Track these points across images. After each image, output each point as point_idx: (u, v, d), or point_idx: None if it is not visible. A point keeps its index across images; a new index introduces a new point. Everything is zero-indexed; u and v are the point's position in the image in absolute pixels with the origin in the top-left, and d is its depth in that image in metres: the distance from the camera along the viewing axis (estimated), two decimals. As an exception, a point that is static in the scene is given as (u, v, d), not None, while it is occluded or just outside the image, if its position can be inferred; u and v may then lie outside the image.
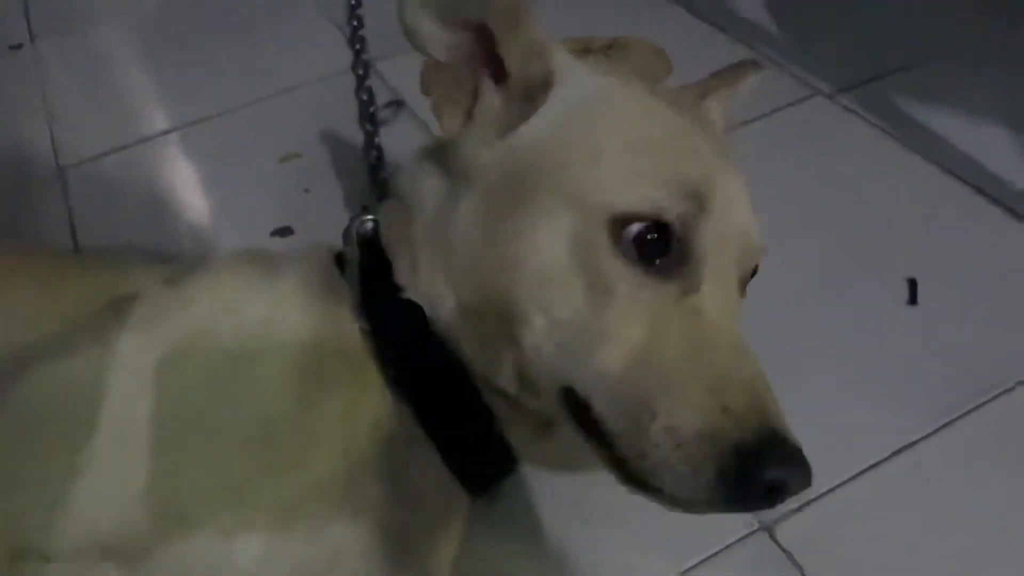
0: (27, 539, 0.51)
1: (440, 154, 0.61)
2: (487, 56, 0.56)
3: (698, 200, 0.51)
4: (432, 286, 0.58)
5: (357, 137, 1.18)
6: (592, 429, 0.52)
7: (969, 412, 0.78)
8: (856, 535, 0.71)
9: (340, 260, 0.64)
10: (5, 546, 0.50)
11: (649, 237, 0.51)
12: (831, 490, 0.73)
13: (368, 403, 0.59)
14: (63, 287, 0.65)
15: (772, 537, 0.71)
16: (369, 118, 1.18)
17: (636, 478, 0.50)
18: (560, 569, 0.70)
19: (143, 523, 0.52)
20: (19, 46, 1.54)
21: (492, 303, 0.55)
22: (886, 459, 0.75)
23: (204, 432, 0.55)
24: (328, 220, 1.05)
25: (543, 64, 0.55)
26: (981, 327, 0.86)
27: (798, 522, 0.72)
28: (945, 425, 0.77)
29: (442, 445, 0.61)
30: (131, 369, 0.55)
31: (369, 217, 0.63)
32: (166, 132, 1.26)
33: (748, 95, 0.67)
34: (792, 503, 0.73)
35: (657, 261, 0.51)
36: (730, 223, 0.53)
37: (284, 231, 1.05)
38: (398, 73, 1.31)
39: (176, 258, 1.01)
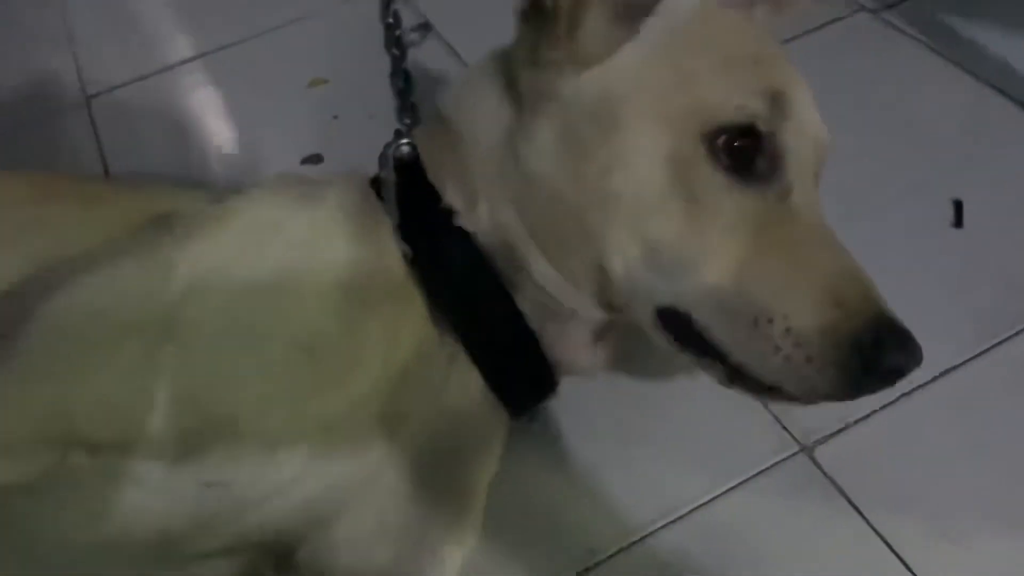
0: (77, 431, 0.51)
1: (500, 78, 0.60)
2: None
3: (781, 106, 0.53)
4: (495, 215, 0.58)
5: (385, 62, 1.16)
6: (693, 343, 0.54)
7: (1015, 335, 0.77)
8: (898, 458, 0.70)
9: (376, 185, 0.64)
10: (56, 436, 0.51)
11: (742, 145, 0.52)
12: (873, 412, 0.73)
13: (409, 325, 0.60)
14: (103, 205, 0.67)
15: (812, 458, 0.71)
16: (395, 42, 1.15)
17: (750, 381, 0.53)
18: (596, 490, 0.70)
19: (193, 423, 0.53)
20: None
21: (576, 235, 0.55)
22: (929, 382, 0.74)
23: (253, 339, 0.55)
24: (357, 147, 1.04)
25: None
26: (1029, 247, 0.84)
27: (839, 444, 0.72)
28: (990, 348, 0.76)
29: (484, 365, 0.62)
30: (178, 276, 0.56)
31: (405, 141, 0.61)
32: (192, 59, 1.24)
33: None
34: (833, 424, 0.73)
35: (753, 168, 0.52)
36: (806, 125, 0.55)
37: (314, 158, 1.04)
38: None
39: (207, 185, 1.01)
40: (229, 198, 0.63)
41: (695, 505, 0.69)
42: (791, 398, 0.53)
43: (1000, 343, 0.76)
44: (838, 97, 0.98)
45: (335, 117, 1.10)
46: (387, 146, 0.62)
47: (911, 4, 1.13)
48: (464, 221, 0.59)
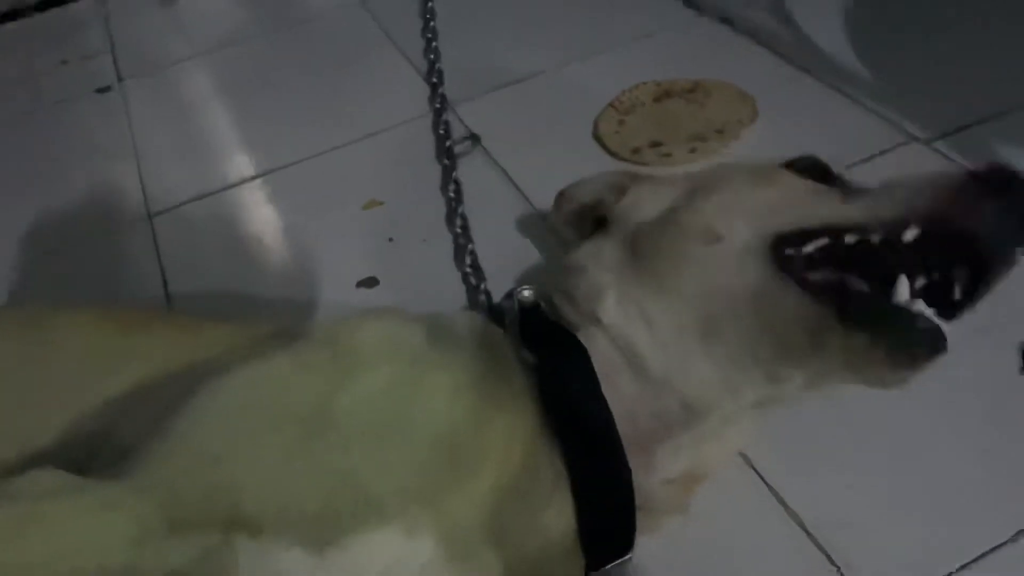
0: (242, 510, 0.52)
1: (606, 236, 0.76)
2: None
3: None
4: (618, 314, 0.68)
5: (437, 183, 1.19)
6: (797, 268, 0.61)
7: (1095, 495, 0.74)
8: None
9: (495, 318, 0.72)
10: (223, 515, 0.52)
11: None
12: (951, 573, 0.70)
13: (522, 435, 0.62)
14: (192, 334, 0.71)
15: None
16: (447, 152, 1.20)
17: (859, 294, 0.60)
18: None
19: (345, 506, 0.54)
20: (106, 89, 1.59)
21: (688, 219, 0.69)
22: (1005, 543, 0.71)
23: (398, 430, 0.57)
24: (412, 270, 1.07)
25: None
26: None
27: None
28: (1068, 507, 0.73)
29: (581, 497, 0.63)
30: (326, 371, 0.60)
31: (526, 288, 0.72)
32: (252, 178, 1.28)
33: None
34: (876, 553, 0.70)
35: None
36: None
37: (370, 281, 1.06)
38: (475, 114, 1.32)
39: (272, 310, 1.03)
40: (348, 323, 0.66)
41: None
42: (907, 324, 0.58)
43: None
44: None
45: (390, 240, 1.12)
46: (512, 290, 0.73)
47: (962, 134, 1.13)
48: (585, 338, 0.67)
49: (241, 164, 1.32)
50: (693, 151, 1.17)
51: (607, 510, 0.64)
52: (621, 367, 0.66)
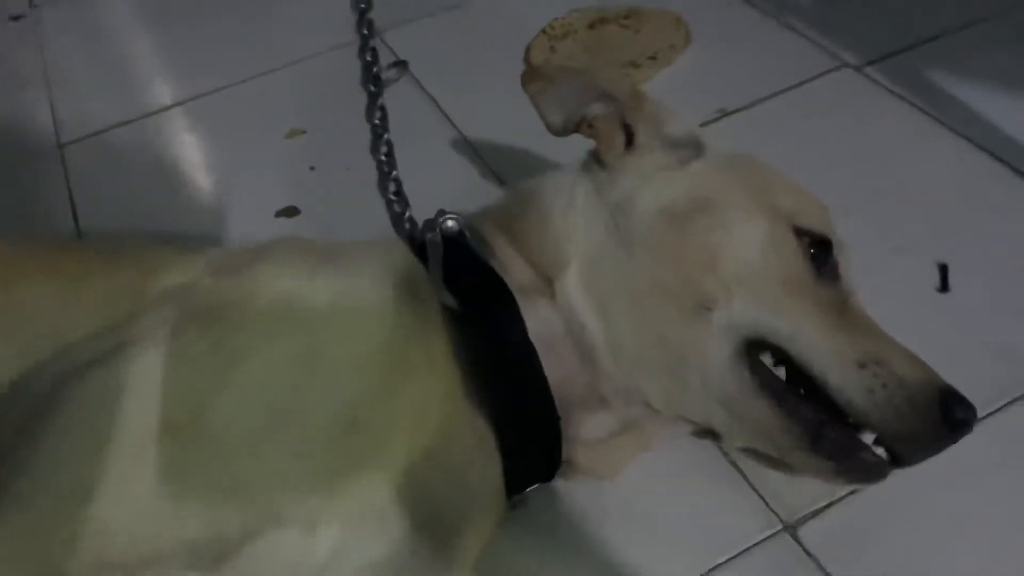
0: (113, 550, 0.48)
1: (586, 177, 0.70)
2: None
3: (841, 247, 0.67)
4: (574, 293, 0.64)
5: (362, 111, 1.15)
6: (774, 387, 0.61)
7: (1005, 407, 0.75)
8: (883, 535, 0.68)
9: (417, 250, 0.67)
10: (90, 559, 0.47)
11: (817, 252, 0.64)
12: (857, 490, 0.70)
13: (439, 399, 0.58)
14: (84, 282, 0.62)
15: (795, 537, 0.68)
16: (373, 79, 1.16)
17: (832, 440, 0.60)
18: (579, 571, 0.67)
19: (232, 520, 0.50)
20: (20, 16, 1.50)
21: (677, 282, 0.63)
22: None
23: (290, 422, 0.53)
24: (334, 199, 1.03)
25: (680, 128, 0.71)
26: (1018, 313, 0.82)
27: (823, 522, 0.69)
28: (982, 419, 0.73)
29: (507, 448, 0.61)
30: (203, 367, 0.53)
31: (451, 216, 0.67)
32: (169, 107, 1.23)
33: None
34: (817, 502, 0.70)
35: (824, 270, 0.64)
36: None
37: (290, 211, 1.02)
38: (404, 41, 1.28)
39: (183, 240, 0.98)
40: (241, 269, 0.61)
41: (678, 586, 0.66)
42: (860, 466, 0.62)
43: (989, 415, 0.74)
44: (819, 155, 0.98)
45: (312, 168, 1.08)
46: (436, 216, 0.68)
47: (895, 60, 1.12)
48: (523, 300, 0.62)
49: (159, 92, 1.26)
50: (626, 77, 1.15)
51: (529, 459, 0.64)
52: (563, 340, 0.64)
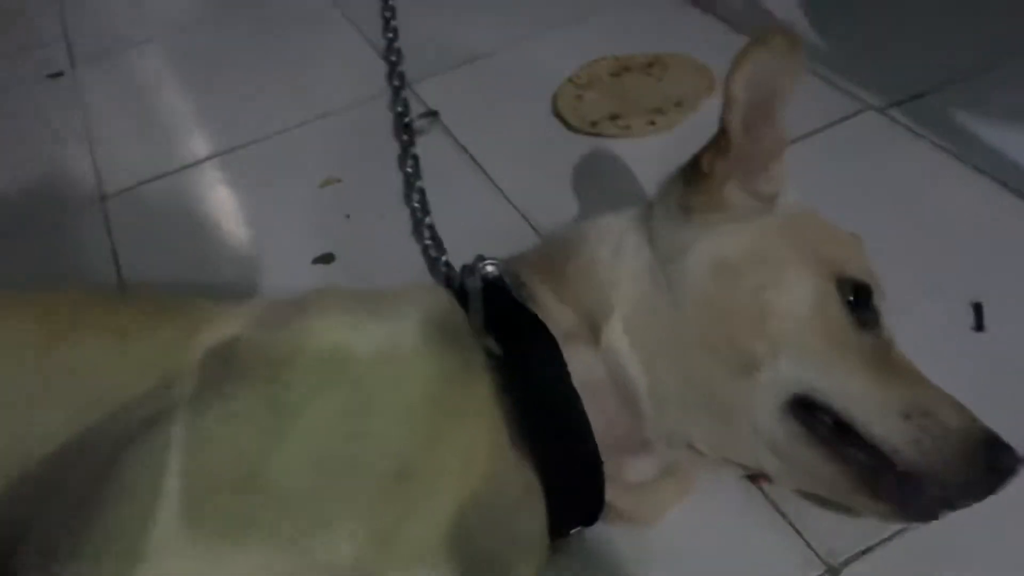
0: None
1: (642, 224, 0.70)
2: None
3: (882, 291, 0.68)
4: (618, 342, 0.65)
5: (395, 160, 1.18)
6: (822, 436, 0.62)
7: (1046, 444, 0.75)
8: (930, 577, 0.67)
9: (456, 295, 0.68)
10: None
11: (858, 299, 0.65)
12: (900, 531, 0.70)
13: (486, 445, 0.59)
14: (135, 339, 0.64)
15: (840, 579, 0.68)
16: (405, 128, 1.19)
17: (881, 483, 0.61)
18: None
19: (290, 573, 0.51)
20: (59, 74, 1.56)
21: (722, 340, 0.63)
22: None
23: (343, 473, 0.54)
24: (370, 246, 1.06)
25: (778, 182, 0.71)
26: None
27: (866, 563, 0.68)
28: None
29: (551, 493, 0.62)
30: (258, 422, 0.54)
31: (490, 261, 0.69)
32: (205, 159, 1.26)
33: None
34: (859, 544, 0.70)
35: (865, 317, 0.65)
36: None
37: (326, 258, 1.04)
38: (434, 92, 1.31)
39: (226, 290, 1.01)
40: (286, 322, 0.62)
41: (721, 629, 0.66)
42: (915, 507, 0.63)
43: (1031, 452, 0.74)
44: (847, 199, 0.98)
45: (347, 216, 1.10)
46: (475, 261, 0.70)
47: (918, 103, 1.14)
48: (567, 347, 0.63)
49: (196, 145, 1.30)
50: (652, 123, 1.17)
51: (578, 514, 0.65)
52: (606, 387, 0.65)
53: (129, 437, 0.55)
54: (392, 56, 1.37)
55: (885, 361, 0.64)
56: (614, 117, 1.19)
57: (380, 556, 0.53)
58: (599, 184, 1.10)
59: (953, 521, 0.64)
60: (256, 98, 1.37)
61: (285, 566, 0.50)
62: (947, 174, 1.03)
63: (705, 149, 0.69)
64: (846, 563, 0.69)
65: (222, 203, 1.18)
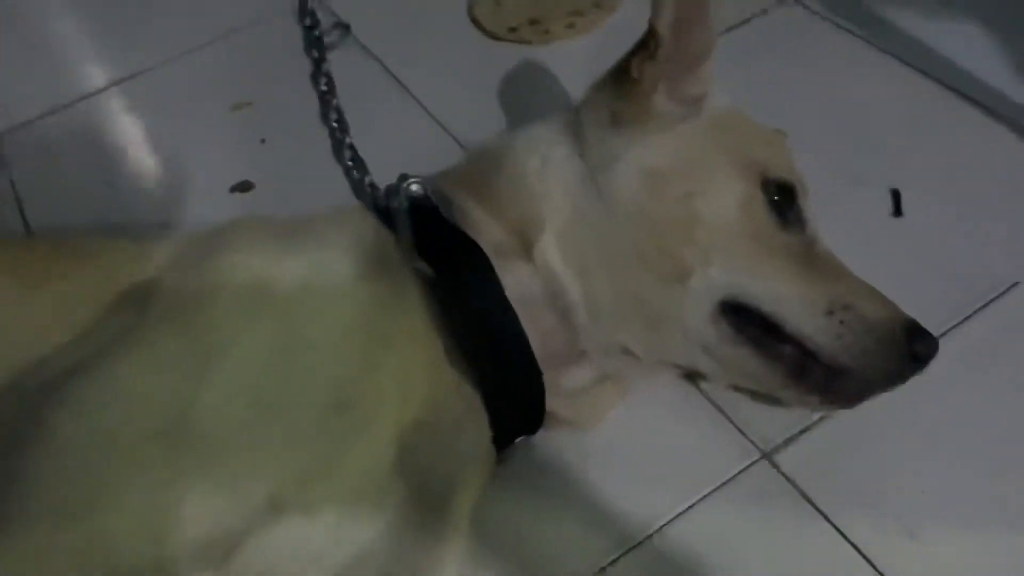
0: (121, 561, 0.47)
1: (569, 133, 0.69)
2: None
3: (804, 187, 0.69)
4: (550, 255, 0.64)
5: (307, 79, 1.12)
6: (752, 337, 0.64)
7: (961, 323, 0.78)
8: (857, 457, 0.71)
9: (382, 217, 0.66)
10: (100, 570, 0.47)
11: (782, 199, 0.66)
12: (826, 416, 0.73)
13: (423, 369, 0.58)
14: (45, 282, 0.60)
15: (773, 464, 0.71)
16: (315, 43, 1.13)
17: (810, 376, 0.64)
18: (563, 521, 0.69)
19: (235, 515, 0.49)
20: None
21: (653, 249, 0.64)
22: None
23: (279, 410, 0.52)
24: (289, 171, 1.02)
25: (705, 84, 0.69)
26: (969, 234, 0.85)
27: (799, 448, 0.71)
28: (941, 335, 0.76)
29: (493, 408, 0.62)
30: (183, 368, 0.52)
31: (414, 180, 0.66)
32: (106, 87, 1.18)
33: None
34: (791, 429, 0.73)
35: (788, 217, 0.66)
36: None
37: (244, 186, 1.00)
38: (344, 3, 1.25)
39: (141, 227, 0.96)
40: (203, 259, 0.59)
41: (665, 521, 0.68)
42: (840, 395, 0.66)
43: (949, 331, 0.77)
44: (770, 91, 0.99)
45: (262, 141, 1.06)
46: (399, 180, 0.67)
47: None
48: (499, 262, 0.62)
49: (94, 73, 1.21)
50: (571, 26, 1.14)
51: (515, 416, 0.65)
52: (541, 300, 0.64)
53: (51, 390, 0.52)
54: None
55: (809, 259, 0.66)
56: (533, 22, 1.16)
57: (324, 488, 0.52)
58: (523, 93, 1.08)
59: (874, 398, 0.68)
60: (154, 19, 1.28)
61: (227, 509, 0.49)
62: (867, 64, 1.04)
63: (633, 53, 0.67)
64: (779, 448, 0.72)
65: (128, 134, 1.12)
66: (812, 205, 0.70)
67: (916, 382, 0.67)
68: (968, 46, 1.03)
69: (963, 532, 0.66)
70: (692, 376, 0.75)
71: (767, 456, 0.71)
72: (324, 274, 0.59)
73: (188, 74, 1.18)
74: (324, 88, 1.08)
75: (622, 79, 0.68)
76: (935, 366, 0.67)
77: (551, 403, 0.66)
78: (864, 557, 0.65)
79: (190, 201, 0.99)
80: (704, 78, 0.69)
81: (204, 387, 0.52)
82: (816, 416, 0.73)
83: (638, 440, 0.73)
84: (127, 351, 0.54)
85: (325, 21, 1.20)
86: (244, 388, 0.52)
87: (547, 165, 0.67)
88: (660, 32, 0.64)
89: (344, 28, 1.19)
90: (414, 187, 0.66)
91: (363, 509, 0.54)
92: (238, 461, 0.50)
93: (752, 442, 0.72)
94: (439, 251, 0.63)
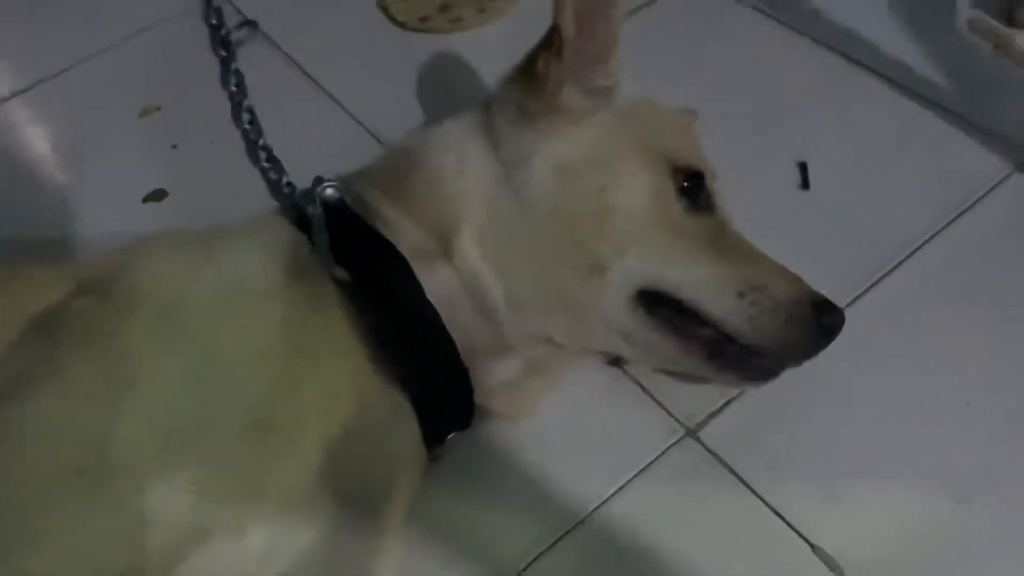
0: None
1: (481, 130, 0.69)
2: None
3: (713, 172, 0.71)
4: (469, 253, 0.64)
5: (217, 80, 1.10)
6: (670, 323, 0.66)
7: (870, 289, 0.81)
8: (776, 424, 0.73)
9: (300, 223, 0.65)
10: None
11: (691, 185, 0.68)
12: (746, 391, 0.75)
13: (349, 376, 0.58)
14: None
15: (698, 440, 0.73)
16: (222, 42, 1.10)
17: (728, 356, 0.67)
18: (496, 509, 0.70)
19: (161, 548, 0.48)
20: None
21: (570, 243, 0.65)
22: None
23: (201, 436, 0.51)
24: (203, 176, 1.00)
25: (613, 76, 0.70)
26: (875, 201, 0.88)
27: (721, 422, 0.74)
28: (850, 304, 0.80)
29: (423, 408, 0.62)
30: (96, 398, 0.51)
31: (329, 183, 0.66)
32: (9, 97, 1.13)
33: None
34: (713, 404, 0.75)
35: (698, 201, 0.68)
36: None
37: (157, 194, 0.98)
38: (249, -1, 1.21)
39: (50, 246, 0.93)
40: (113, 280, 0.57)
41: (597, 504, 0.70)
42: (757, 371, 0.69)
43: (857, 298, 0.80)
44: (678, 70, 1.01)
45: (174, 147, 1.03)
46: (314, 185, 0.67)
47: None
48: (418, 264, 0.62)
49: (-9, 85, 1.16)
50: (483, 11, 1.14)
51: (444, 414, 0.66)
52: (461, 300, 0.65)
53: None
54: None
55: (721, 242, 0.68)
56: (444, 8, 1.15)
57: (251, 507, 0.52)
58: (438, 83, 1.07)
59: (790, 370, 0.70)
60: (51, 26, 1.23)
61: (152, 541, 0.48)
62: (774, 39, 1.07)
63: (538, 50, 0.68)
64: (701, 425, 0.74)
65: (32, 147, 1.08)
66: (722, 184, 0.72)
67: (830, 350, 0.69)
68: (872, 20, 1.06)
69: (882, 491, 0.69)
70: (617, 360, 0.77)
71: (691, 433, 0.73)
72: (240, 289, 0.59)
73: (93, 80, 1.13)
74: (234, 88, 1.06)
75: (530, 75, 0.68)
76: (847, 333, 0.69)
77: (481, 398, 0.67)
78: (788, 524, 0.68)
79: (102, 215, 0.96)
80: (612, 70, 0.70)
81: (122, 419, 0.51)
82: (735, 392, 0.75)
83: (568, 426, 0.74)
84: (41, 382, 0.52)
85: (231, 19, 1.17)
86: (162, 417, 0.51)
87: (462, 164, 0.68)
88: (564, 29, 0.65)
89: (251, 25, 1.16)
90: (329, 191, 0.66)
91: (294, 522, 0.54)
92: (161, 493, 0.49)
93: (677, 420, 0.74)
94: (357, 256, 0.62)
